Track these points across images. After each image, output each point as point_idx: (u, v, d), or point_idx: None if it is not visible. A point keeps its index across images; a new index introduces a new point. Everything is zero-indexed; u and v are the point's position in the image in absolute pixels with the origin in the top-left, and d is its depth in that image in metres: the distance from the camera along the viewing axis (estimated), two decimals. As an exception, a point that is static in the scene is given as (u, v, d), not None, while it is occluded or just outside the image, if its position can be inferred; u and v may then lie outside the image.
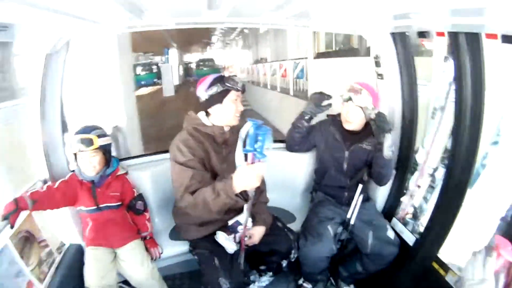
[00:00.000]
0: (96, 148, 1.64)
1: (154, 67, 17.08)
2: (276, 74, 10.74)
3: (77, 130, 1.66)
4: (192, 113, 1.71)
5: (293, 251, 1.82)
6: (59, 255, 1.78)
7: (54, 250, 1.76)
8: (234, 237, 1.67)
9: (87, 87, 3.95)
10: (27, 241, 1.59)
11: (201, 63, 19.55)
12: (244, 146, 1.38)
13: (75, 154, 1.67)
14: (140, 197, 1.84)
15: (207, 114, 1.67)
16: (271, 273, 1.92)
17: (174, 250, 1.93)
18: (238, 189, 1.40)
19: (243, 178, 1.39)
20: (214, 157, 1.66)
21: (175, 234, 1.97)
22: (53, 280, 1.68)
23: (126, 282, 1.82)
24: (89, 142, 1.62)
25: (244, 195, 1.45)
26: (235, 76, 1.72)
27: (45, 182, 1.77)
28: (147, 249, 1.82)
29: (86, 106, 3.72)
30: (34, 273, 1.58)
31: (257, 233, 1.72)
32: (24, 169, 1.80)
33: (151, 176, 2.09)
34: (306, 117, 2.03)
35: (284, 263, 1.84)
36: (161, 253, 1.86)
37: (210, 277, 1.60)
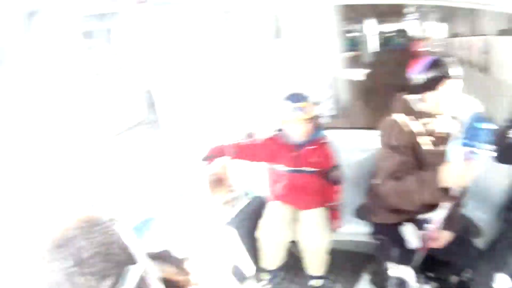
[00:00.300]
0: (310, 117, 1.67)
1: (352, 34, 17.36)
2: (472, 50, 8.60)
3: (291, 97, 1.69)
4: (402, 95, 1.57)
5: (470, 270, 1.52)
6: (242, 202, 1.98)
7: (239, 196, 1.96)
8: (420, 234, 1.48)
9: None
10: (218, 182, 1.80)
11: (394, 34, 18.62)
12: (462, 138, 1.19)
13: (284, 117, 1.71)
14: (337, 168, 1.81)
15: (420, 98, 1.50)
16: (437, 285, 1.65)
17: (353, 227, 1.86)
18: (443, 184, 1.25)
19: (454, 175, 1.22)
20: (420, 146, 1.49)
21: (360, 212, 1.87)
22: (229, 223, 1.86)
23: (294, 244, 1.87)
24: (306, 112, 1.65)
25: (447, 192, 1.28)
26: (452, 59, 1.46)
27: (250, 135, 1.95)
28: (328, 219, 1.80)
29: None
30: (214, 208, 1.78)
31: (444, 237, 1.50)
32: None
33: (353, 150, 1.96)
34: None
35: (455, 279, 1.56)
36: (341, 226, 1.81)
37: (382, 266, 1.48)
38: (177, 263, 0.92)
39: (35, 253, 0.59)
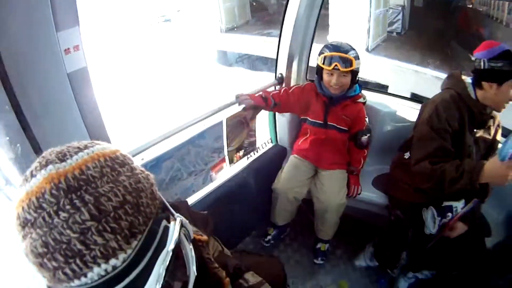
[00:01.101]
0: (350, 70, 1.53)
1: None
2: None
3: (333, 46, 1.55)
4: (458, 75, 1.39)
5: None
6: (262, 149, 1.89)
7: (259, 143, 1.85)
8: (440, 220, 1.40)
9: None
10: (240, 125, 1.71)
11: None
12: None
13: (321, 67, 1.58)
14: (368, 131, 1.68)
15: (478, 84, 1.34)
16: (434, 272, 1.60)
17: (369, 196, 1.76)
18: (483, 180, 1.22)
19: (496, 172, 1.19)
20: (468, 135, 1.39)
21: (379, 183, 1.79)
22: (244, 168, 1.79)
23: (307, 201, 1.81)
24: (348, 63, 1.51)
25: (484, 188, 1.26)
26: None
27: (280, 80, 1.83)
28: (348, 184, 1.72)
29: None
30: (230, 154, 1.71)
31: (459, 229, 1.41)
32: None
33: (387, 114, 1.86)
34: None
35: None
36: (359, 193, 1.73)
37: (394, 242, 1.46)
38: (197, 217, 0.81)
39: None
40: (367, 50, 7.71)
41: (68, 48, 0.84)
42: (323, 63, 1.54)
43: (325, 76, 1.59)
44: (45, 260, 0.41)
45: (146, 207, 0.47)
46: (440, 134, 1.33)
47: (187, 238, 0.52)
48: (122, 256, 0.42)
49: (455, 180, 1.25)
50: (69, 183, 0.42)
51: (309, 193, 1.75)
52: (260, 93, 1.64)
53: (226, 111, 1.58)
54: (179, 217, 0.51)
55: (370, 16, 7.55)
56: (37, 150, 0.87)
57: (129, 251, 0.43)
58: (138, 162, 1.26)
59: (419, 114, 1.45)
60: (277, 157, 1.86)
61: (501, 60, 1.25)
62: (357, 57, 1.53)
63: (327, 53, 1.53)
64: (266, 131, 1.98)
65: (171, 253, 0.45)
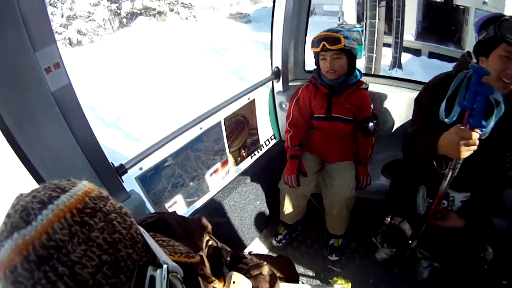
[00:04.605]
0: (341, 49, 1.47)
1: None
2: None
3: (323, 30, 1.52)
4: (467, 55, 1.28)
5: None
6: (266, 147, 1.85)
7: (263, 141, 1.82)
8: (431, 203, 1.31)
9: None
10: (240, 125, 1.67)
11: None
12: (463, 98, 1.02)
13: (317, 54, 1.54)
14: (374, 117, 1.61)
15: (477, 62, 1.21)
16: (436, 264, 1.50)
17: (380, 185, 1.70)
18: (440, 151, 1.10)
19: (447, 141, 1.06)
20: None
21: (389, 171, 1.71)
22: (250, 168, 1.75)
23: (316, 196, 1.76)
24: (336, 41, 1.46)
25: (443, 161, 1.13)
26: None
27: (277, 75, 1.79)
28: (356, 175, 1.64)
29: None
30: (233, 155, 1.67)
31: (452, 220, 1.28)
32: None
33: (390, 98, 1.76)
34: None
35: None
36: (369, 184, 1.64)
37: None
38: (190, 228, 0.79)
39: None
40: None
41: (49, 67, 0.83)
42: (313, 47, 1.52)
43: (321, 63, 1.55)
44: None
45: (127, 259, 0.44)
46: (423, 113, 1.27)
47: (178, 279, 0.50)
48: None
49: (422, 151, 1.19)
50: (38, 253, 0.39)
51: (317, 187, 1.69)
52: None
53: (223, 111, 1.54)
54: (165, 264, 0.48)
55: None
56: (38, 180, 0.87)
57: None
58: (136, 172, 1.29)
59: None
60: (282, 153, 1.82)
61: (485, 30, 1.13)
62: (347, 37, 1.47)
63: (316, 35, 1.51)
64: (268, 127, 1.93)
65: None
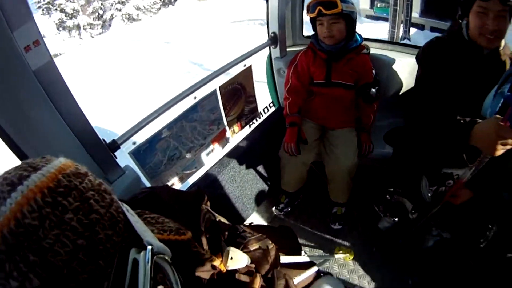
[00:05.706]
0: (338, 13, 1.39)
1: None
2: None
3: None
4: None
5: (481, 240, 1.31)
6: (264, 114, 1.78)
7: (261, 108, 1.74)
8: (437, 189, 1.29)
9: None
10: (236, 93, 1.59)
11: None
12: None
13: (314, 20, 1.48)
14: (376, 83, 1.55)
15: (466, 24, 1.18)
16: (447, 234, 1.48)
17: (382, 152, 1.64)
18: (471, 141, 1.03)
19: (483, 135, 0.99)
20: (469, 84, 1.19)
21: (391, 138, 1.65)
22: (248, 136, 1.69)
23: (317, 163, 1.72)
24: (332, 5, 1.38)
25: (473, 154, 1.06)
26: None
27: (274, 40, 1.69)
28: (358, 142, 1.59)
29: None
30: (231, 124, 1.61)
31: (463, 195, 1.25)
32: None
33: (392, 64, 1.68)
34: None
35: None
36: (372, 151, 1.58)
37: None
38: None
39: None
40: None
41: (28, 45, 0.77)
42: (308, 12, 1.46)
43: (318, 28, 1.48)
44: None
45: (106, 242, 0.39)
46: (429, 87, 1.21)
47: (166, 261, 0.44)
48: None
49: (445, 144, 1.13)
50: (7, 242, 0.34)
51: (319, 155, 1.65)
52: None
53: (218, 79, 1.46)
54: (149, 245, 0.42)
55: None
56: (21, 157, 0.83)
57: None
58: (130, 147, 1.23)
59: None
60: (282, 120, 1.74)
61: None
62: (345, 0, 1.38)
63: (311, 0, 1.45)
64: (266, 94, 1.85)
65: None
